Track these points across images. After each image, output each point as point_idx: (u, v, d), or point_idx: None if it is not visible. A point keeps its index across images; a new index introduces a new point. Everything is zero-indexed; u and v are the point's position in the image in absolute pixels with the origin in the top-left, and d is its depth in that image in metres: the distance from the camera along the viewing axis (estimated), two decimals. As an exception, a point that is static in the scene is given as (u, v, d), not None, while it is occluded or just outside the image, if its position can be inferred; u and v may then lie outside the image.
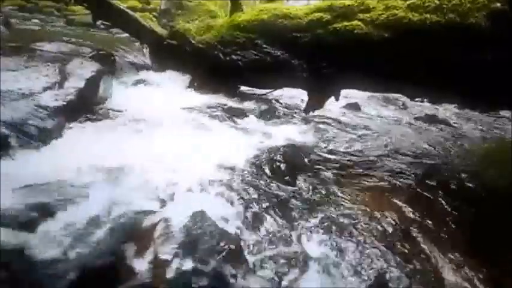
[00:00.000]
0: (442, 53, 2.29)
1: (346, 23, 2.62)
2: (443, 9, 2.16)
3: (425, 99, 4.13)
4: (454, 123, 4.59)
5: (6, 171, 1.65)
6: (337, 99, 3.10)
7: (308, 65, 3.14)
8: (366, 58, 2.64)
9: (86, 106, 2.53)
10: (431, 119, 4.47)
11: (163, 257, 1.07)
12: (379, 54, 2.56)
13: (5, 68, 2.37)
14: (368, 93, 5.18)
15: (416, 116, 4.66)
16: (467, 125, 4.63)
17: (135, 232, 1.26)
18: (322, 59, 2.96)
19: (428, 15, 2.20)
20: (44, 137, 2.05)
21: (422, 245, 1.61)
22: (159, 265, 1.05)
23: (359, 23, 2.53)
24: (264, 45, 3.39)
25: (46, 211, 1.40)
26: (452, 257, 1.54)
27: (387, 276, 1.38)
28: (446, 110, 5.42)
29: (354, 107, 4.45)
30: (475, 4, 2.08)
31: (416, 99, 5.35)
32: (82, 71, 2.67)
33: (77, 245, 1.17)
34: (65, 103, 2.29)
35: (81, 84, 2.53)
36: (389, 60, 2.57)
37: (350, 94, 4.42)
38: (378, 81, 2.87)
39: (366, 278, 1.36)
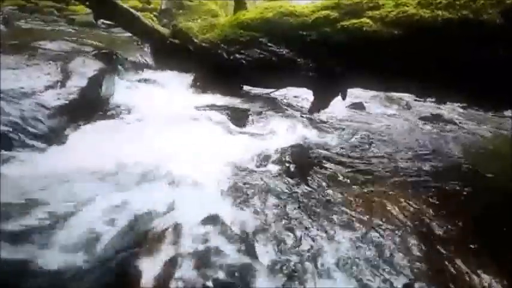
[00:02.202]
0: (453, 50, 2.24)
1: (354, 21, 2.57)
2: (455, 6, 2.11)
3: (431, 98, 4.09)
4: (460, 122, 4.55)
5: (7, 171, 1.60)
6: (343, 99, 3.05)
7: (314, 64, 3.09)
8: (374, 56, 2.59)
9: (88, 105, 2.47)
10: (437, 119, 4.42)
11: (175, 261, 1.02)
12: (388, 53, 2.51)
13: (5, 66, 2.31)
14: (371, 93, 5.15)
15: (421, 115, 4.61)
16: (472, 124, 4.59)
17: (145, 236, 1.20)
18: (329, 58, 2.90)
19: (440, 12, 2.14)
20: (46, 137, 2.01)
21: (428, 244, 1.56)
22: (171, 270, 0.99)
23: (368, 20, 2.48)
24: (269, 44, 3.34)
25: (49, 214, 1.35)
26: (458, 257, 1.49)
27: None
28: (451, 110, 5.39)
29: (359, 106, 4.40)
30: (489, 0, 2.02)
31: (421, 99, 5.37)
32: (84, 69, 2.62)
33: (83, 251, 1.11)
34: (67, 102, 2.25)
35: (84, 83, 2.48)
36: (398, 59, 2.53)
37: (353, 94, 4.37)
38: (386, 80, 2.83)
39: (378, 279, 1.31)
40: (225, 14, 7.55)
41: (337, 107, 3.87)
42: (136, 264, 1.08)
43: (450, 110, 5.41)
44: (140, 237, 1.21)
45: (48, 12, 9.08)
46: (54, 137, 2.06)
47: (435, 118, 4.44)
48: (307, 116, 3.51)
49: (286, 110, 3.75)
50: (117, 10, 3.96)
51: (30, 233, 1.24)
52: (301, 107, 3.90)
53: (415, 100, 5.60)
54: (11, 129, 1.85)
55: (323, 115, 3.59)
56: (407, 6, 2.32)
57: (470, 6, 2.07)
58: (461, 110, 5.46)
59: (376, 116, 4.20)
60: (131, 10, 4.11)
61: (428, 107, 5.40)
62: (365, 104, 4.58)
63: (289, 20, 3.11)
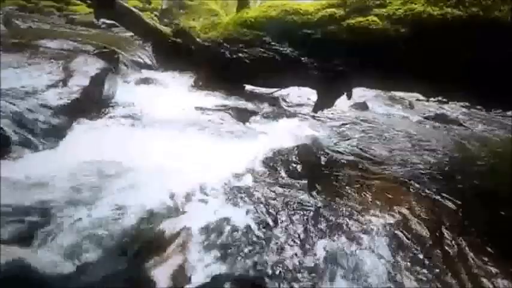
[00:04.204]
0: (462, 49, 2.20)
1: (360, 19, 2.52)
2: (465, 3, 2.07)
3: (437, 98, 4.05)
4: (464, 122, 4.52)
5: (7, 172, 1.55)
6: (349, 98, 3.01)
7: (319, 63, 3.05)
8: (380, 55, 2.54)
9: (90, 104, 2.43)
10: (441, 118, 4.39)
11: (186, 265, 0.98)
12: (394, 51, 2.47)
13: (6, 65, 2.27)
14: (373, 93, 5.12)
15: (425, 115, 4.59)
16: (476, 124, 4.57)
17: (151, 238, 1.16)
18: (333, 57, 2.86)
19: (449, 10, 2.10)
20: (47, 136, 1.97)
21: (437, 245, 1.53)
22: (181, 274, 0.96)
23: (374, 18, 2.43)
24: (272, 43, 3.30)
25: (51, 216, 1.31)
26: (464, 256, 1.48)
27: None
28: (454, 109, 5.37)
29: (362, 106, 4.36)
30: (500, -4, 1.98)
31: (424, 99, 5.34)
32: (86, 68, 2.57)
33: (88, 255, 1.07)
34: (69, 101, 2.21)
35: (86, 82, 2.44)
36: (405, 57, 2.48)
37: (355, 93, 4.32)
38: (392, 79, 2.79)
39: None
40: (225, 14, 7.53)
41: (341, 107, 3.84)
42: (143, 268, 1.04)
43: (453, 109, 5.39)
44: (146, 240, 1.18)
45: (49, 12, 9.05)
46: (55, 136, 2.02)
47: (439, 118, 4.41)
48: (311, 115, 3.47)
49: (290, 109, 3.72)
50: (119, 9, 3.92)
51: (33, 233, 1.21)
52: (305, 107, 3.86)
53: (417, 100, 5.60)
54: (12, 129, 1.81)
55: (327, 114, 3.55)
56: (415, 3, 2.27)
57: (480, 3, 2.03)
58: (464, 110, 5.44)
59: (379, 116, 4.17)
60: (133, 9, 4.07)
61: (431, 106, 5.38)
62: (368, 104, 4.55)
63: (294, 18, 3.07)
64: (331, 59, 2.92)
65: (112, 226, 1.23)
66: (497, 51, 2.14)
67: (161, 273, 0.98)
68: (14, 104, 1.96)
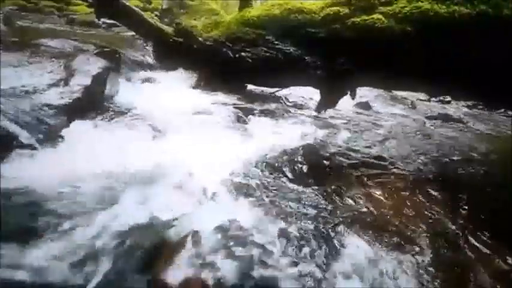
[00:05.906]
0: (470, 48, 2.17)
1: (365, 17, 2.49)
2: (473, 1, 2.03)
3: (442, 98, 4.03)
4: (467, 122, 4.50)
5: (7, 173, 1.52)
6: (353, 98, 2.98)
7: (322, 62, 3.02)
8: (385, 54, 2.51)
9: (92, 104, 2.40)
10: (443, 118, 4.37)
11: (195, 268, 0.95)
12: (400, 50, 2.43)
13: (7, 64, 2.24)
14: (375, 92, 5.10)
15: (427, 114, 4.57)
16: (478, 124, 4.55)
17: (161, 242, 1.13)
18: (337, 56, 2.83)
19: (457, 8, 2.06)
20: (48, 137, 1.93)
21: (442, 245, 1.52)
22: (191, 278, 0.93)
23: (380, 16, 2.40)
24: (275, 42, 3.27)
25: (52, 219, 1.27)
26: (469, 255, 1.47)
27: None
28: (456, 109, 5.35)
29: (365, 106, 4.33)
30: (510, -6, 1.95)
31: (426, 98, 5.33)
32: (88, 67, 2.54)
33: (92, 260, 1.04)
34: (70, 101, 2.17)
35: (88, 81, 2.41)
36: (410, 57, 2.45)
37: (357, 93, 4.31)
38: (396, 78, 2.76)
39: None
40: (225, 14, 7.50)
41: (344, 107, 3.81)
42: (152, 272, 1.01)
43: (456, 109, 5.37)
44: (154, 243, 1.15)
45: (49, 12, 9.03)
46: (57, 136, 1.99)
47: (442, 117, 4.39)
48: (314, 115, 3.44)
49: (292, 109, 3.69)
50: (120, 8, 3.89)
51: (34, 235, 1.17)
52: (307, 107, 3.84)
53: (419, 100, 5.58)
54: (12, 129, 1.77)
55: (330, 114, 3.53)
56: (421, 1, 2.24)
57: (489, 1, 2.00)
58: (466, 109, 5.43)
59: (382, 115, 4.14)
60: (134, 8, 4.04)
61: (433, 106, 5.36)
62: (370, 103, 4.52)
63: (297, 17, 3.04)
64: (335, 58, 2.89)
65: (115, 229, 1.20)
66: (503, 50, 2.11)
67: (171, 277, 0.95)
68: (15, 104, 1.93)
